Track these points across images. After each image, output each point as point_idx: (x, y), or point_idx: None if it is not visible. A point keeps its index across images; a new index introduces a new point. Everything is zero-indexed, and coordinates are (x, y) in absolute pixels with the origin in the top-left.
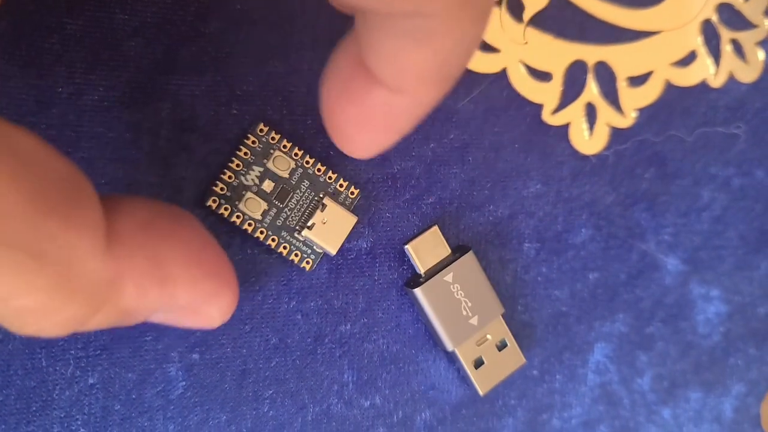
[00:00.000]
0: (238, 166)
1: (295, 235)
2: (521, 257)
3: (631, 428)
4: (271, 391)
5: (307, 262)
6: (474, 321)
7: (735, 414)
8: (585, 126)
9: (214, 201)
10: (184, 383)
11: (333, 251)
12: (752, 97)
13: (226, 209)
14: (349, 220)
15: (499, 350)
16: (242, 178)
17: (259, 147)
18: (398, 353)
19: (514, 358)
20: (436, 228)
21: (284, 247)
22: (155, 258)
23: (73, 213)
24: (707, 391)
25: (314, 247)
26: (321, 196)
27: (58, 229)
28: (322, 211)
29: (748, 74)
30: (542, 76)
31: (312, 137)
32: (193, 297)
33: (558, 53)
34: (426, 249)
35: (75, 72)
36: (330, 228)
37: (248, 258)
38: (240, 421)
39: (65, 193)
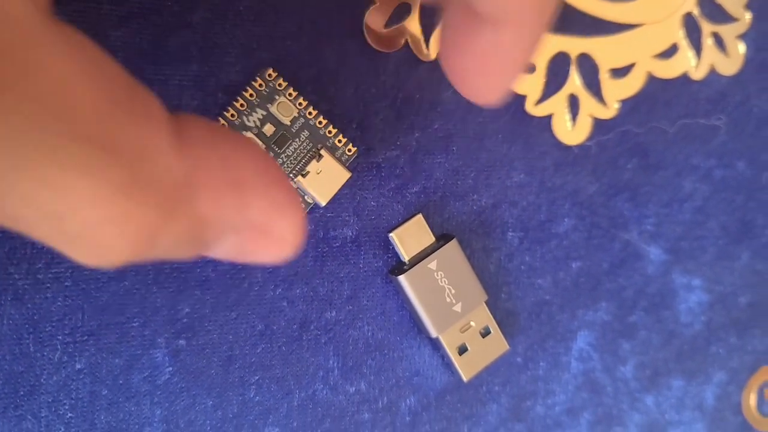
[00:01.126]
0: (242, 106)
1: (290, 181)
2: (505, 246)
3: (615, 415)
4: (257, 377)
5: None
6: (458, 308)
7: (716, 402)
8: (568, 117)
9: None
10: (170, 369)
11: (323, 202)
12: (733, 89)
13: None
14: (342, 175)
15: (483, 337)
16: (244, 118)
17: (265, 91)
18: (383, 340)
19: (497, 345)
20: (420, 216)
21: None
22: (227, 160)
23: (142, 108)
24: (689, 379)
25: (305, 197)
26: (318, 147)
27: (128, 120)
28: (317, 161)
29: (728, 67)
30: None
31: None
32: (267, 206)
33: (541, 45)
34: (410, 237)
35: None
36: (323, 179)
37: None
38: (226, 406)
39: (131, 91)
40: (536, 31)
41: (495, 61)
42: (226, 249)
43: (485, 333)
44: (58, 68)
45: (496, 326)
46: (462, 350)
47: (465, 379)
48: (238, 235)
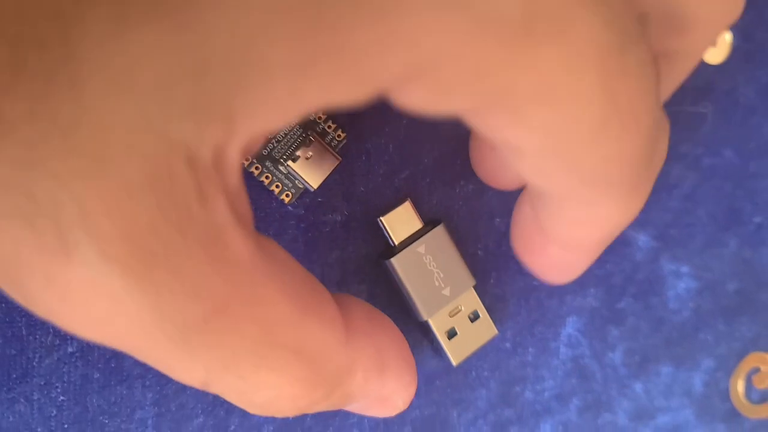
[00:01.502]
0: None
1: (279, 167)
2: (492, 232)
3: (603, 401)
4: None
5: (287, 195)
6: (446, 292)
7: (705, 388)
8: None
9: None
10: None
11: (314, 185)
12: (720, 78)
13: None
14: (332, 160)
15: (472, 321)
16: None
17: None
18: None
19: (486, 329)
20: (408, 202)
21: (266, 177)
22: (379, 346)
23: (322, 310)
24: (678, 365)
25: (296, 181)
26: (308, 133)
27: (314, 326)
28: (307, 146)
29: (715, 56)
30: None
31: None
32: (398, 386)
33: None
34: (399, 222)
35: None
36: (313, 164)
37: None
38: None
39: (312, 294)
40: (598, 255)
41: (562, 267)
42: (352, 408)
43: (474, 317)
44: (270, 293)
45: (485, 311)
46: (451, 334)
47: (454, 363)
48: (364, 402)
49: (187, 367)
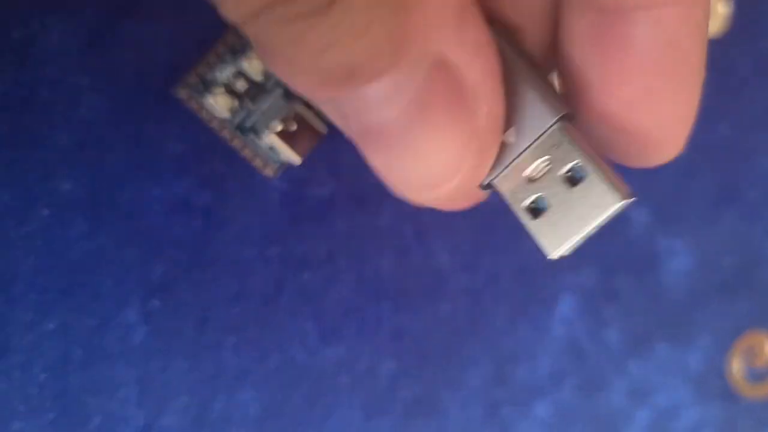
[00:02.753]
0: (213, 60)
1: (261, 140)
2: (486, 208)
3: (598, 380)
4: (232, 339)
5: (270, 169)
6: (511, 137)
7: (701, 366)
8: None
9: (185, 93)
10: (144, 329)
11: (298, 161)
12: (714, 50)
13: (196, 103)
14: (317, 132)
15: (572, 185)
16: (217, 73)
17: (238, 46)
18: (362, 303)
19: (600, 195)
20: None
21: (248, 151)
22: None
23: None
24: (673, 343)
25: (279, 155)
26: (292, 103)
27: None
28: (291, 117)
29: (710, 27)
30: None
31: None
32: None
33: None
34: None
35: (31, 16)
36: (297, 136)
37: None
38: (202, 368)
39: None
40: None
41: (668, 63)
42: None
43: (575, 177)
44: None
45: (594, 161)
46: (537, 210)
47: (551, 254)
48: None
49: None
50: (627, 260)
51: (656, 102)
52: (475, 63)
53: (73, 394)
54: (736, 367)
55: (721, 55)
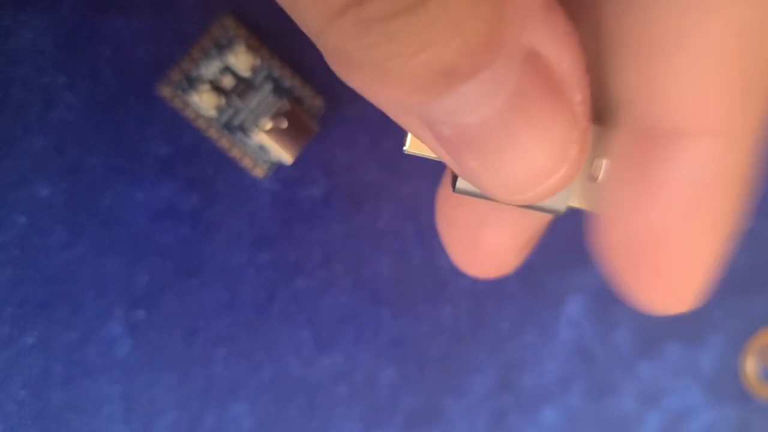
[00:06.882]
0: (198, 56)
1: (251, 139)
2: None
3: (607, 384)
4: (223, 350)
5: (261, 170)
6: None
7: (713, 367)
8: None
9: (170, 91)
10: (130, 342)
11: (289, 160)
12: None
13: (180, 102)
14: (309, 130)
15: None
16: (202, 69)
17: (224, 40)
18: (359, 309)
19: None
20: None
21: (237, 151)
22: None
23: None
24: (684, 344)
25: (270, 154)
26: (282, 100)
27: None
28: (282, 115)
29: None
30: None
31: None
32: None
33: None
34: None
35: (3, 12)
36: (288, 135)
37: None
38: (191, 381)
39: None
40: (749, 139)
41: (687, 200)
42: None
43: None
44: None
45: None
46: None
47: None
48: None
49: None
50: None
51: (670, 243)
52: (564, 53)
53: (54, 412)
54: (750, 366)
55: None
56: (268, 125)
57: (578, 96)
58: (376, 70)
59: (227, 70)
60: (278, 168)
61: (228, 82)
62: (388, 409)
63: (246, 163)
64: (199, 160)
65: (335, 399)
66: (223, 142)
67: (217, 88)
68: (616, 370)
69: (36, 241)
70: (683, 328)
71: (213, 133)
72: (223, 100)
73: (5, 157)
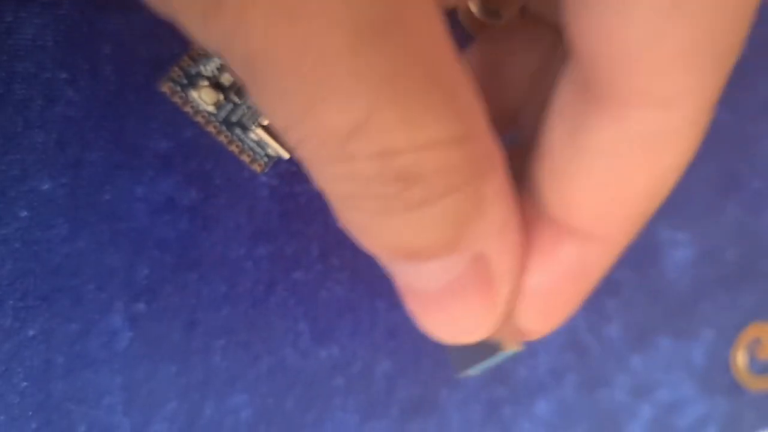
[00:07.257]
0: (197, 54)
1: (249, 134)
2: None
3: (600, 376)
4: (222, 342)
5: (259, 165)
6: None
7: (705, 359)
8: None
9: (169, 87)
10: (130, 334)
11: (287, 155)
12: None
13: (180, 98)
14: None
15: None
16: (201, 67)
17: None
18: (356, 301)
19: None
20: None
21: (236, 146)
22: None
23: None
24: (676, 337)
25: (268, 149)
26: None
27: (472, 97)
28: None
29: None
30: (493, 14)
31: None
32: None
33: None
34: None
35: (4, 8)
36: None
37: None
38: (190, 373)
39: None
40: (625, 245)
41: (571, 284)
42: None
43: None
44: (440, 32)
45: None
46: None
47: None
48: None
49: (353, 89)
50: (628, 252)
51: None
52: (506, 257)
53: (55, 403)
54: (741, 359)
55: None
56: (266, 121)
57: (507, 288)
58: (364, 235)
59: (226, 67)
60: (276, 162)
61: (226, 78)
62: (384, 401)
63: (244, 158)
64: (198, 155)
65: (332, 390)
66: (222, 138)
67: (216, 84)
68: (609, 363)
69: (37, 235)
70: (675, 322)
71: (212, 128)
72: (221, 97)
73: (7, 151)
